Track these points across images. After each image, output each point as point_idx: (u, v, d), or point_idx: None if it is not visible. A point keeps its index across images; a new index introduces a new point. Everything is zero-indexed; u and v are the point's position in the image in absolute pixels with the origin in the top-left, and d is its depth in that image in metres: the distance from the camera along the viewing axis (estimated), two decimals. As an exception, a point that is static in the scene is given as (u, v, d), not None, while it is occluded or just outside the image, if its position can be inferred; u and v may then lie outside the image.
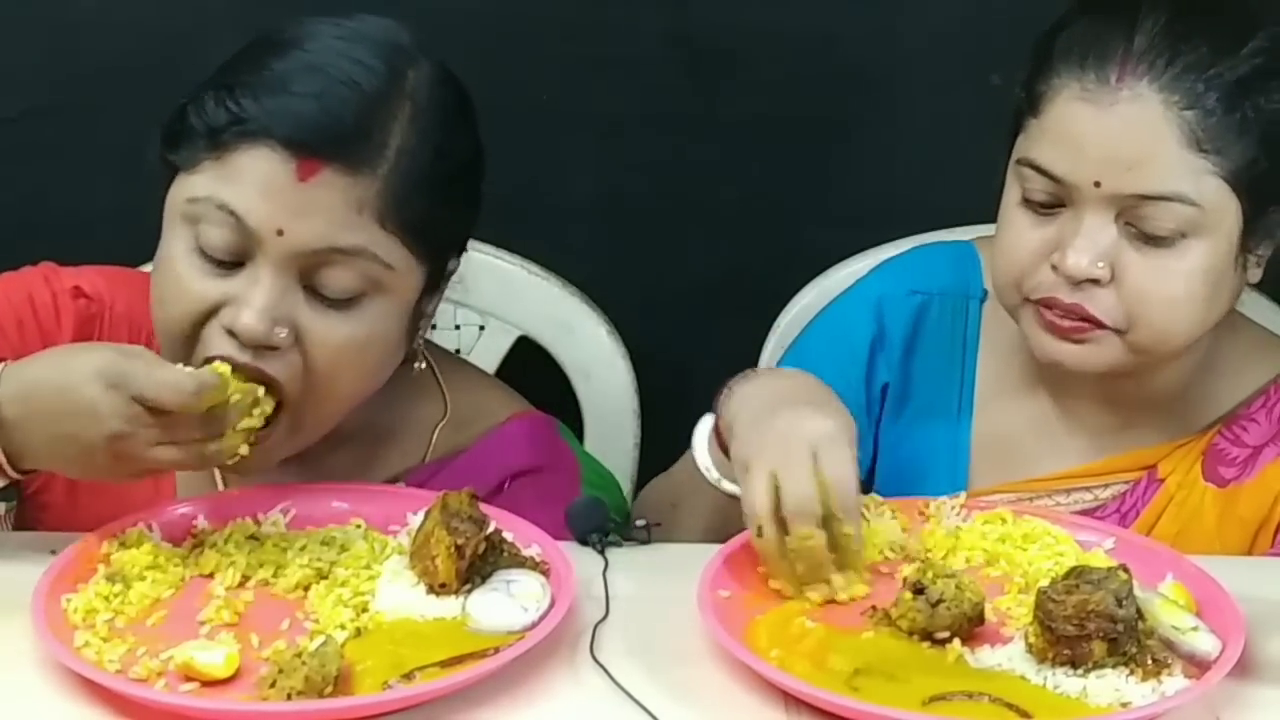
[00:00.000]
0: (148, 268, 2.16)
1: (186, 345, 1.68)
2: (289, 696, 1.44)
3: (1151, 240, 1.77)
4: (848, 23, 2.45)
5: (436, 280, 1.76)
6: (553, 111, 2.44)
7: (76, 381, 1.57)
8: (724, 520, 1.75)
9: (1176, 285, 1.78)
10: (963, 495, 1.79)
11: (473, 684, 1.49)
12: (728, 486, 1.73)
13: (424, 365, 1.82)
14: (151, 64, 2.40)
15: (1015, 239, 1.83)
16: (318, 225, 1.65)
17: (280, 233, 1.64)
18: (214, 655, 1.48)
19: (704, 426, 1.78)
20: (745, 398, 1.73)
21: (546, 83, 2.43)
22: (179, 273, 1.68)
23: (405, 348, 1.77)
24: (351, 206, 1.65)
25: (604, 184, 2.51)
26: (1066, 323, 1.80)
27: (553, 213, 2.46)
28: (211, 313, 1.67)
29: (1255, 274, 1.84)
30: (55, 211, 2.45)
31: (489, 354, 2.30)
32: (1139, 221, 1.76)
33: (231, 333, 1.65)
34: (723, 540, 1.69)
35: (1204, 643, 1.53)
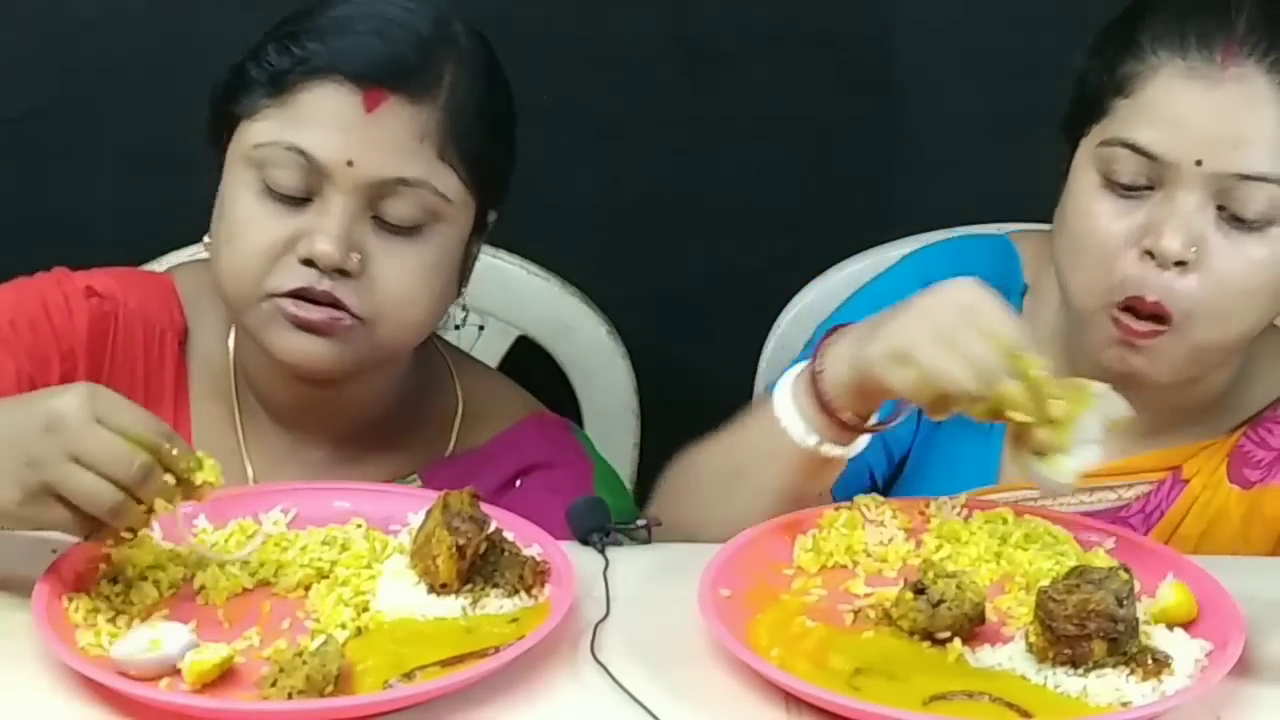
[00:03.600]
0: (153, 267, 2.18)
1: (256, 282, 1.75)
2: (290, 696, 1.44)
3: (1242, 224, 1.77)
4: (848, 23, 2.45)
5: (482, 224, 1.84)
6: (553, 111, 2.44)
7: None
8: (800, 485, 1.74)
9: (1256, 273, 1.78)
10: (963, 495, 1.78)
11: (473, 683, 1.49)
12: (831, 450, 1.71)
13: (463, 311, 1.92)
14: (151, 64, 2.41)
15: (1100, 226, 1.80)
16: (385, 155, 1.74)
17: (350, 163, 1.73)
18: (207, 654, 1.48)
19: (785, 391, 1.74)
20: (855, 337, 1.70)
21: (546, 83, 2.43)
22: (249, 214, 1.76)
23: (457, 289, 1.86)
24: (414, 136, 1.75)
25: (604, 184, 2.51)
26: (1142, 326, 1.78)
27: (553, 213, 2.46)
28: (284, 249, 1.75)
29: None
30: (55, 211, 2.45)
31: (488, 354, 2.30)
32: (1234, 203, 1.76)
33: (308, 262, 1.74)
34: (797, 508, 1.70)
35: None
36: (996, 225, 2.11)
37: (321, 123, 1.74)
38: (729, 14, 2.44)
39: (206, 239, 1.82)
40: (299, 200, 1.75)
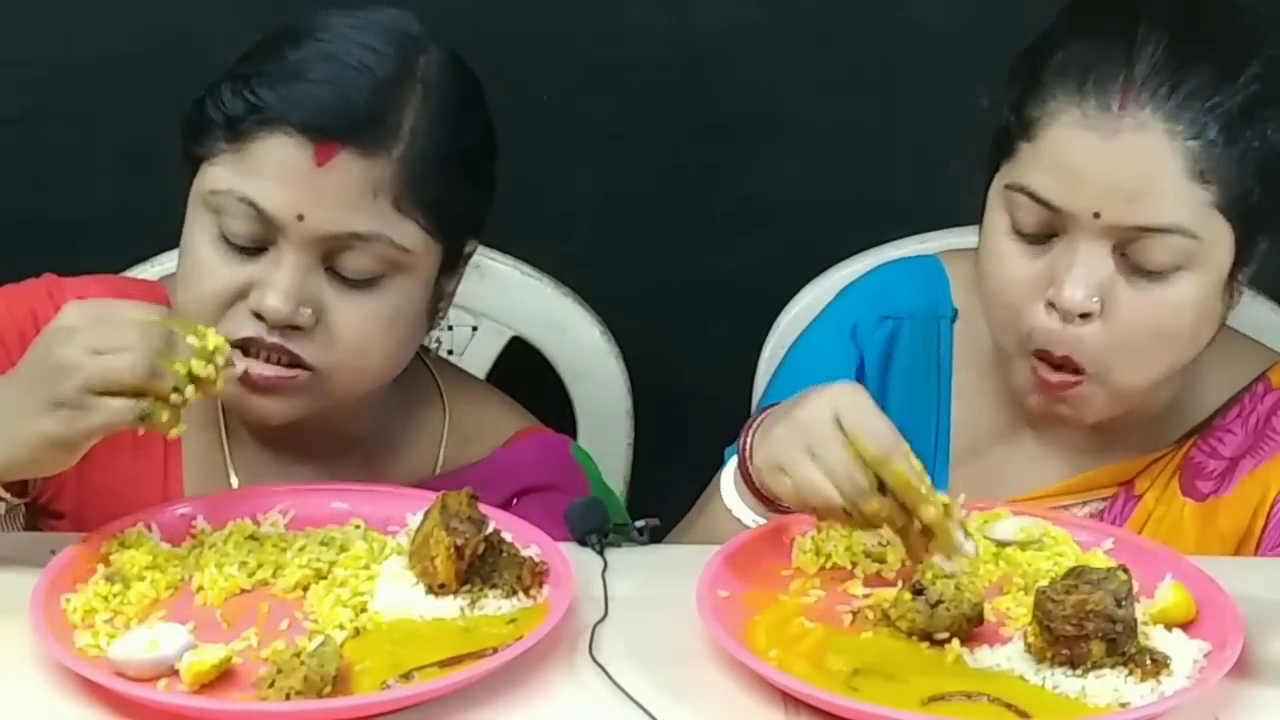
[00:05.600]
0: (144, 270, 2.18)
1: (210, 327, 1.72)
2: (288, 696, 1.44)
3: (1145, 273, 1.74)
4: (848, 23, 2.45)
5: (454, 261, 1.81)
6: (552, 111, 2.44)
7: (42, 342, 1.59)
8: None
9: (1166, 319, 1.75)
10: (962, 496, 1.78)
11: (471, 684, 1.49)
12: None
13: (439, 345, 1.87)
14: (151, 64, 2.40)
15: (1007, 274, 1.78)
16: (335, 210, 1.70)
17: (301, 218, 1.70)
18: (205, 655, 1.48)
19: (729, 478, 1.77)
20: (764, 427, 1.70)
21: (546, 83, 2.43)
22: (203, 259, 1.73)
23: (427, 327, 1.83)
24: (367, 190, 1.70)
25: (599, 184, 2.51)
26: (1055, 377, 1.77)
27: (551, 213, 2.46)
28: (236, 296, 1.72)
29: (1237, 300, 1.81)
30: (55, 211, 2.45)
31: (482, 355, 2.30)
32: (1136, 254, 1.73)
33: (258, 315, 1.71)
34: None
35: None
36: (923, 250, 2.11)
37: (272, 175, 1.70)
38: (729, 14, 2.44)
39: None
40: (254, 249, 1.72)
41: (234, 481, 1.86)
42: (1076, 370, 1.77)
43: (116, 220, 2.41)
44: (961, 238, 2.08)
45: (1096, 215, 1.72)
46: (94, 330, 1.55)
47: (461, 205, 1.78)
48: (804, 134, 2.47)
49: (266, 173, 1.70)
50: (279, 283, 1.70)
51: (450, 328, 2.30)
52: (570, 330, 2.32)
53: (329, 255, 1.72)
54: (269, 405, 1.74)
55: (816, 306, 2.16)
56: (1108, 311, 1.75)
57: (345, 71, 1.71)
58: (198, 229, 1.74)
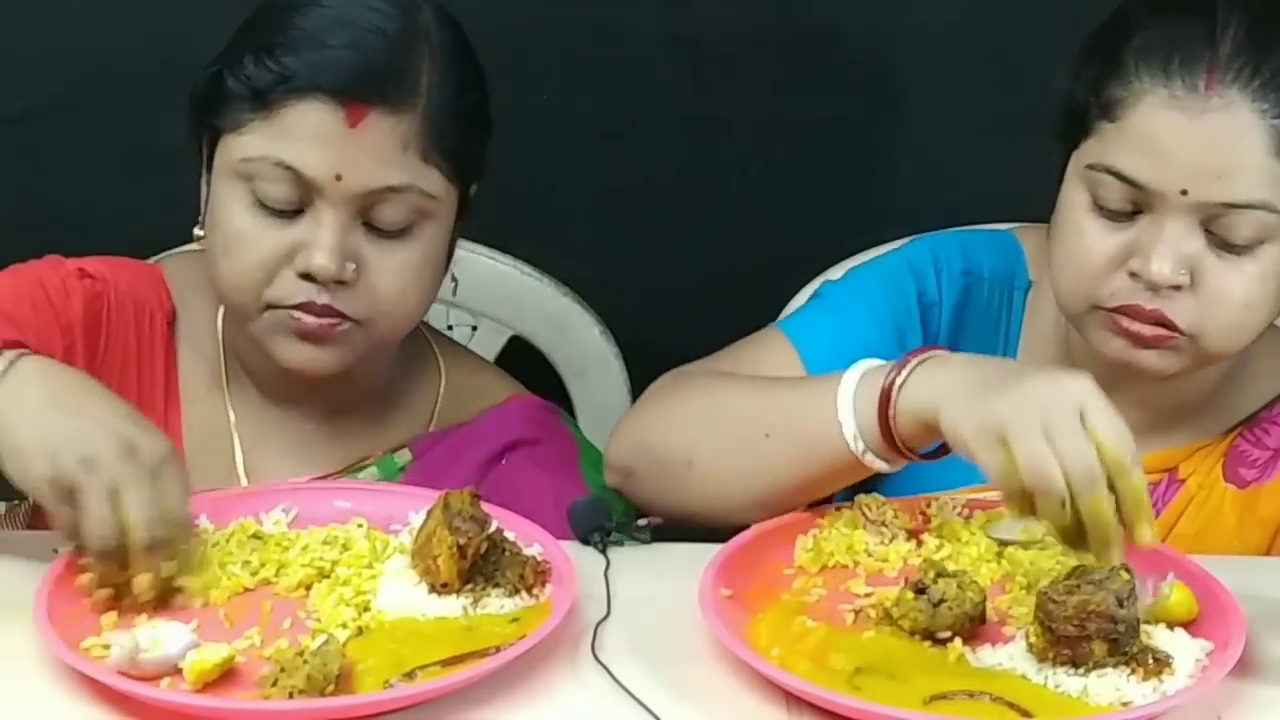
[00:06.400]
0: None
1: (256, 293, 1.78)
2: (291, 695, 1.44)
3: (1231, 247, 1.76)
4: (848, 23, 2.45)
5: (465, 204, 1.86)
6: (553, 111, 2.44)
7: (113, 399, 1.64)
8: (826, 476, 1.72)
9: (1252, 290, 1.78)
10: (963, 495, 1.78)
11: (474, 683, 1.49)
12: (874, 462, 1.68)
13: (455, 287, 1.91)
14: (151, 63, 2.40)
15: (1088, 246, 1.80)
16: (371, 167, 1.76)
17: (339, 178, 1.75)
18: (209, 654, 1.48)
19: (850, 386, 1.69)
20: (948, 377, 1.64)
21: (546, 83, 2.44)
22: (242, 227, 1.78)
23: (444, 272, 1.87)
24: (397, 145, 1.76)
25: (599, 183, 2.51)
26: (1148, 331, 1.78)
27: (547, 212, 2.47)
28: (281, 260, 1.77)
29: None
30: (55, 211, 2.45)
31: (482, 354, 2.30)
32: (1222, 229, 1.75)
33: (306, 275, 1.76)
34: (808, 494, 1.72)
35: None
36: (995, 226, 2.11)
37: (307, 139, 1.75)
38: (729, 14, 2.44)
39: (198, 230, 1.84)
40: (291, 212, 1.77)
41: (236, 440, 1.89)
42: (1171, 327, 1.78)
43: (116, 220, 2.41)
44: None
45: (1184, 193, 1.74)
46: (139, 479, 1.56)
47: (474, 150, 1.85)
48: (804, 134, 2.47)
49: (301, 137, 1.75)
50: (323, 241, 1.75)
51: (450, 327, 2.30)
52: (570, 330, 2.32)
53: (365, 210, 1.77)
54: (320, 354, 1.79)
55: (816, 306, 2.15)
56: (1197, 283, 1.77)
57: (363, 35, 1.76)
58: (230, 199, 1.78)
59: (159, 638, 1.49)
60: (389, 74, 1.76)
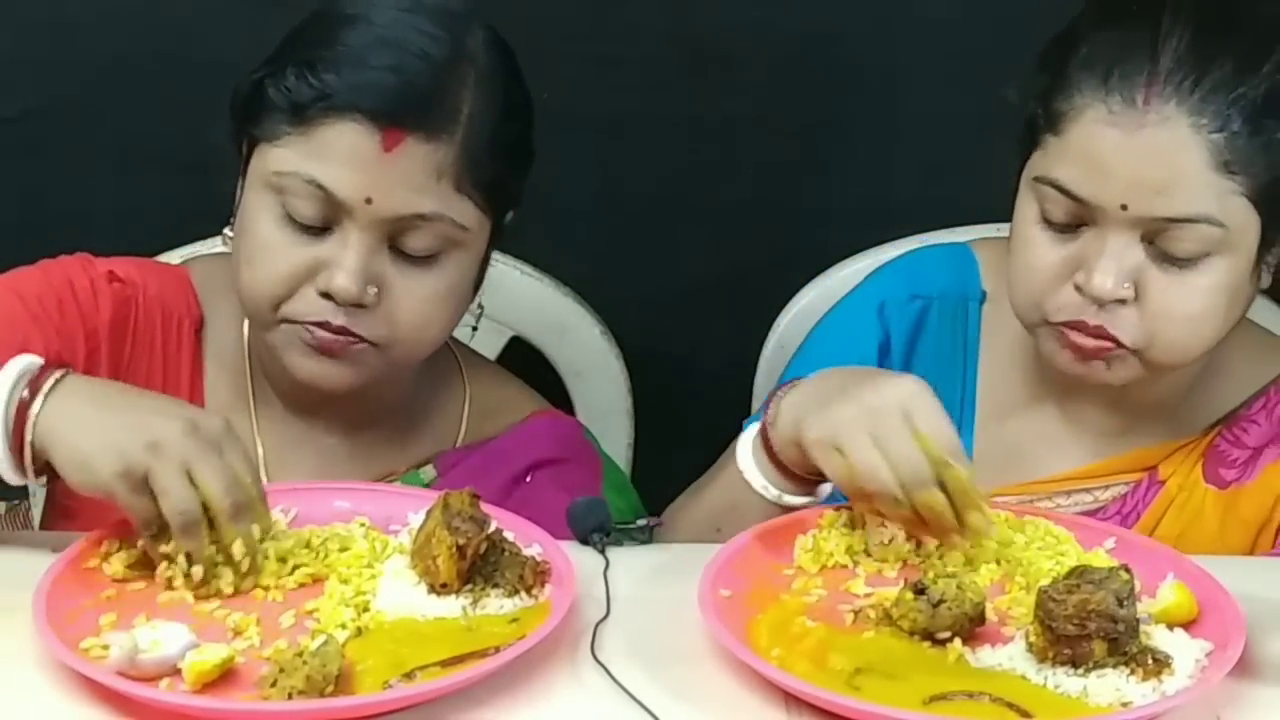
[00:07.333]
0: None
1: (274, 305, 1.77)
2: (290, 696, 1.44)
3: (1175, 260, 1.76)
4: (847, 23, 2.45)
5: (499, 232, 1.86)
6: (553, 111, 2.44)
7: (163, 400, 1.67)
8: (762, 521, 1.74)
9: (1197, 303, 1.78)
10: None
11: (473, 683, 1.49)
12: (791, 500, 1.74)
13: (481, 314, 1.92)
14: (151, 64, 2.40)
15: (1035, 259, 1.81)
16: (402, 193, 1.74)
17: (369, 201, 1.74)
18: (208, 655, 1.48)
19: (747, 444, 1.78)
20: (803, 397, 1.72)
21: (546, 83, 2.43)
22: (268, 239, 1.77)
23: (471, 297, 1.88)
24: (431, 173, 1.75)
25: (600, 184, 2.51)
26: (1090, 344, 1.79)
27: (547, 213, 2.45)
28: (304, 276, 1.76)
29: (1266, 280, 1.84)
30: (55, 211, 2.45)
31: (482, 354, 2.30)
32: (1165, 243, 1.75)
33: (326, 294, 1.75)
34: None
35: None
36: (995, 225, 2.11)
37: (341, 159, 1.73)
38: (729, 14, 2.44)
39: (228, 230, 1.83)
40: (319, 229, 1.76)
41: (260, 449, 1.88)
42: (1111, 339, 1.79)
43: (116, 220, 2.41)
44: (962, 238, 2.09)
45: (1124, 207, 1.75)
46: (208, 450, 1.58)
47: (512, 182, 1.84)
48: (805, 133, 2.47)
49: (335, 157, 1.74)
50: (347, 263, 1.74)
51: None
52: (570, 330, 2.32)
53: (393, 235, 1.76)
54: (332, 370, 1.78)
55: (816, 306, 2.16)
56: (1142, 296, 1.78)
57: (407, 59, 1.74)
58: (260, 209, 1.78)
59: (158, 638, 1.48)
60: (428, 101, 1.74)
